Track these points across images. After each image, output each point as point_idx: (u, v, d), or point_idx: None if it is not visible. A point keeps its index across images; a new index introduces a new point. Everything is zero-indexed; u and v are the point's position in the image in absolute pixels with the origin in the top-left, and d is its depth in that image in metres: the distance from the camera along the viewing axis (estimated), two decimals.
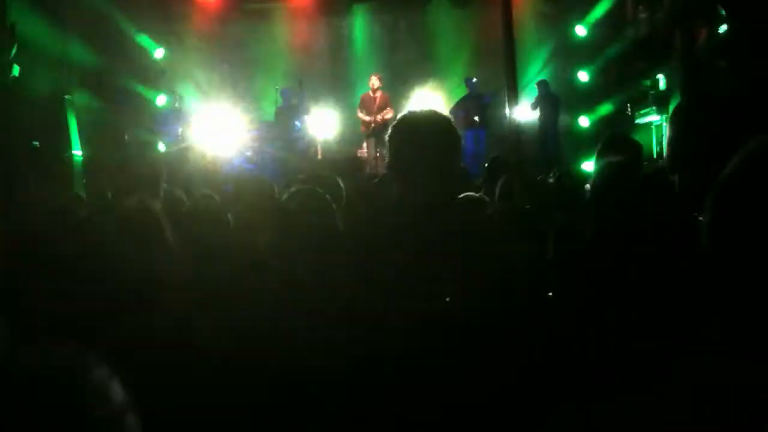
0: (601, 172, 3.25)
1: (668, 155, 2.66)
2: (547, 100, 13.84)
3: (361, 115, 13.44)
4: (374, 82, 13.59)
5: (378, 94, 13.43)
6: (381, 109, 13.33)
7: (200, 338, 2.17)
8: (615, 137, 4.19)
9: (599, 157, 3.90)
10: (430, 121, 2.54)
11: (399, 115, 2.56)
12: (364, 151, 13.96)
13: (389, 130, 2.58)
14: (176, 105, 13.76)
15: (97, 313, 2.01)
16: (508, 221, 3.09)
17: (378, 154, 13.19)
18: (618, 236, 2.37)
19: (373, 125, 13.32)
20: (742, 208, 1.05)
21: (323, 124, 14.66)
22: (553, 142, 13.81)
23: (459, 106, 13.91)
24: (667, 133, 2.71)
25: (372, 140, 13.45)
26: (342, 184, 4.08)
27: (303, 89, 13.84)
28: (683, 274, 1.99)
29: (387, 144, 2.56)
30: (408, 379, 2.10)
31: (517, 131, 2.78)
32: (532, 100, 14.00)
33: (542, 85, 14.01)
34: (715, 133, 2.37)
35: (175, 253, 2.45)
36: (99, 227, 2.36)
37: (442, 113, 2.62)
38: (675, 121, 2.70)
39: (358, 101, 13.77)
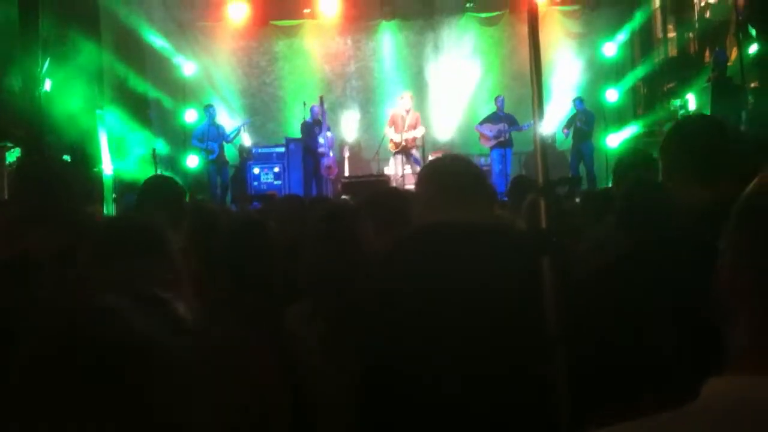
0: (629, 190, 3.23)
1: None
2: (584, 116, 13.76)
3: (390, 132, 13.38)
4: (406, 100, 13.49)
5: (409, 112, 13.39)
6: (411, 127, 13.29)
7: None
8: (636, 155, 4.18)
9: (621, 175, 3.88)
10: (455, 162, 2.63)
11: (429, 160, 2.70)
12: (390, 168, 13.99)
13: (418, 177, 2.70)
14: (215, 121, 13.73)
15: None
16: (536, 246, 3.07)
17: (404, 172, 13.19)
18: (656, 255, 2.35)
19: (403, 143, 13.29)
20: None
21: (347, 140, 14.80)
22: (589, 159, 13.73)
23: (487, 124, 13.86)
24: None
25: (399, 158, 13.43)
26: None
27: (323, 106, 13.84)
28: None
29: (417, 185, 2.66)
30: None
31: (545, 150, 2.76)
32: (568, 119, 13.95)
33: (578, 101, 13.95)
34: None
35: None
36: None
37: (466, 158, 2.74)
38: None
39: (388, 118, 13.73)
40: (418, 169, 13.21)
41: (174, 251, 2.10)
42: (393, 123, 13.37)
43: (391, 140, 13.36)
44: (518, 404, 2.18)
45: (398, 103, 13.69)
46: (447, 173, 2.57)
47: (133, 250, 2.01)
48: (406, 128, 13.23)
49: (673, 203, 2.60)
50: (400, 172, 13.32)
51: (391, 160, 13.93)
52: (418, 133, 13.41)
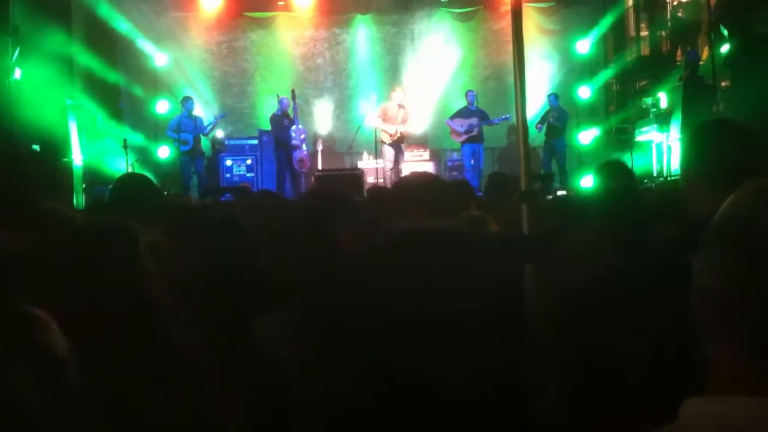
0: (607, 196, 3.24)
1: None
2: (557, 113, 13.82)
3: (383, 125, 13.22)
4: (399, 94, 13.44)
5: (402, 107, 13.32)
6: (404, 121, 13.26)
7: None
8: (610, 164, 4.20)
9: (596, 181, 3.90)
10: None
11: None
12: (367, 161, 13.97)
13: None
14: (192, 113, 13.60)
15: None
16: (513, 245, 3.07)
17: (393, 166, 13.18)
18: (641, 262, 2.35)
19: (398, 136, 13.22)
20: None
21: (320, 133, 14.78)
22: (561, 156, 13.81)
23: (458, 119, 13.82)
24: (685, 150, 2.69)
25: (392, 151, 13.35)
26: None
27: (295, 100, 13.75)
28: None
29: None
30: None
31: (528, 156, 2.77)
32: (542, 115, 14.00)
33: (553, 98, 14.00)
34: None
35: None
36: None
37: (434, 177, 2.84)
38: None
39: (378, 111, 13.55)
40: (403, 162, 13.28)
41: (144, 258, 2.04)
42: (385, 116, 13.23)
43: (386, 132, 13.17)
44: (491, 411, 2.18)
45: (392, 97, 13.59)
46: (417, 187, 2.61)
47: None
48: (400, 121, 13.16)
49: (651, 213, 2.61)
50: (390, 166, 13.23)
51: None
52: (411, 129, 13.46)
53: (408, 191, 2.70)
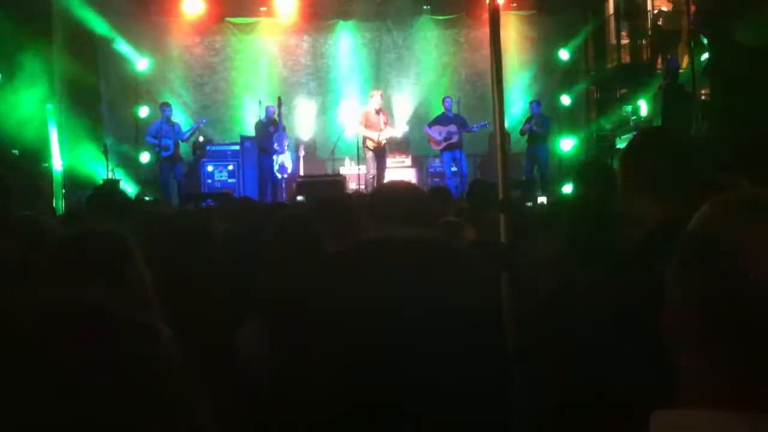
0: (578, 206, 3.25)
1: None
2: (539, 120, 13.85)
3: (366, 132, 12.98)
4: (377, 99, 13.13)
5: (381, 111, 13.15)
6: (385, 124, 13.05)
7: None
8: (588, 165, 4.20)
9: (574, 186, 3.90)
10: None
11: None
12: (348, 167, 13.94)
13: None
14: (170, 119, 13.53)
15: None
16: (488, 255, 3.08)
17: (375, 172, 12.95)
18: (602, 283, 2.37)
19: (383, 142, 13.01)
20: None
21: (302, 139, 14.78)
22: (543, 163, 13.84)
23: (436, 126, 13.70)
24: None
25: (374, 157, 13.05)
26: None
27: (281, 107, 13.66)
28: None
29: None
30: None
31: (506, 164, 2.77)
32: (524, 122, 14.02)
33: (535, 105, 14.03)
34: None
35: None
36: None
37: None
38: None
39: (360, 118, 13.26)
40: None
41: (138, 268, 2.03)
42: (367, 122, 12.99)
43: (370, 139, 12.97)
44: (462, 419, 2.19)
45: (369, 102, 13.29)
46: (393, 197, 2.62)
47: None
48: (382, 126, 13.00)
49: (620, 224, 2.61)
50: (372, 172, 12.99)
51: (369, 157, 13.50)
52: (396, 132, 13.40)
53: (384, 201, 2.71)
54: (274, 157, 13.38)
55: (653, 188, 2.35)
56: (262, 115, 13.78)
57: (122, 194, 3.92)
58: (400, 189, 2.91)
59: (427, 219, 2.70)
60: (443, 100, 13.90)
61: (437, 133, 13.56)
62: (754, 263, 1.00)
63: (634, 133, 12.45)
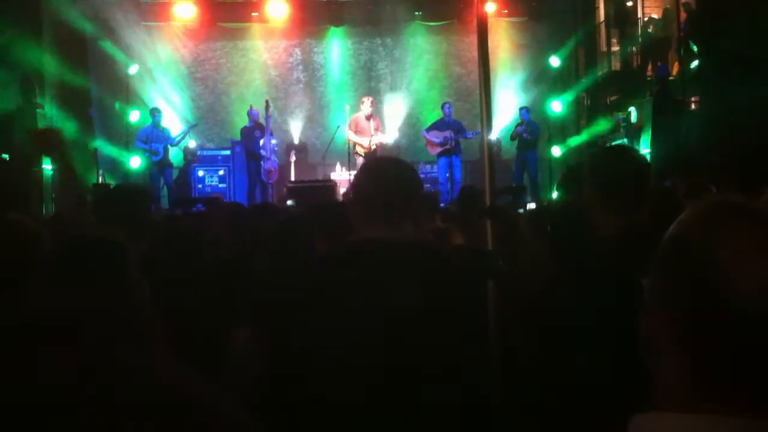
0: (559, 212, 3.27)
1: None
2: (529, 126, 13.86)
3: (356, 138, 12.97)
4: (367, 105, 13.10)
5: (371, 117, 13.15)
6: (376, 130, 13.06)
7: None
8: (571, 171, 4.20)
9: (558, 193, 3.92)
10: (392, 164, 2.61)
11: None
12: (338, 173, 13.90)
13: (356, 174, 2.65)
14: (160, 123, 13.50)
15: None
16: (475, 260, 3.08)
17: None
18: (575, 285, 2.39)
19: (374, 148, 13.00)
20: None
21: (294, 144, 14.73)
22: (532, 169, 13.86)
23: (434, 131, 13.77)
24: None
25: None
26: None
27: (269, 111, 13.62)
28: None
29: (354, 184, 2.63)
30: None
31: (492, 169, 2.79)
32: (514, 128, 14.03)
33: (524, 111, 14.04)
34: None
35: None
36: None
37: (404, 161, 2.71)
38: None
39: (349, 123, 13.19)
40: None
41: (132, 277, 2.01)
42: (357, 128, 13.00)
43: (360, 145, 12.92)
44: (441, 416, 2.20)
45: (360, 108, 13.26)
46: (381, 180, 2.54)
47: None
48: (372, 132, 13.00)
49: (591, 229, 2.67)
50: None
51: (359, 163, 13.51)
52: (387, 138, 13.38)
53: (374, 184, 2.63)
54: (261, 162, 13.37)
55: (615, 200, 2.53)
56: (248, 120, 13.73)
57: (143, 203, 3.82)
58: (392, 169, 2.65)
59: (416, 211, 2.60)
60: (442, 106, 13.92)
61: (435, 137, 13.58)
62: (731, 270, 1.01)
63: (625, 139, 12.54)
